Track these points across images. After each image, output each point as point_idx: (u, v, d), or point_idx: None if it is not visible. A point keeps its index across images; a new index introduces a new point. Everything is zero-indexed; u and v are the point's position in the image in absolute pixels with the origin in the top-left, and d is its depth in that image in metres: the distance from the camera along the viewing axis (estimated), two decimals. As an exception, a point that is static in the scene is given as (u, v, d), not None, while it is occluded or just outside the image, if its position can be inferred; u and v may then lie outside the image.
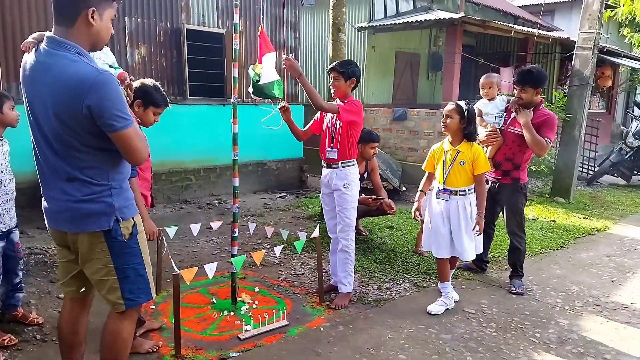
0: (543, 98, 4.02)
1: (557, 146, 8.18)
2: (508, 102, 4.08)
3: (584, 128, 7.95)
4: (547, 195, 8.09)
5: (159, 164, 6.53)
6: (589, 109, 8.32)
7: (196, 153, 7.14)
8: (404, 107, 9.49)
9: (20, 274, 3.13)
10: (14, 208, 3.02)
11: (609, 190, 9.24)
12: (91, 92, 1.68)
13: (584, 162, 10.35)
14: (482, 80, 4.19)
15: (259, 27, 3.64)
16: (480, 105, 4.10)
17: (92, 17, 1.77)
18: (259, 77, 3.44)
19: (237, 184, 3.45)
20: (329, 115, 3.65)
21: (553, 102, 8.20)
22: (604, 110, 14.10)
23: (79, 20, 1.77)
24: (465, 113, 3.38)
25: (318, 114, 3.77)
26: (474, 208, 3.50)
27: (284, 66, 3.36)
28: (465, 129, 3.41)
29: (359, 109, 3.55)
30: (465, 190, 3.49)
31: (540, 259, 4.97)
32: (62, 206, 1.87)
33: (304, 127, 3.88)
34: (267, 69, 3.44)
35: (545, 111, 3.87)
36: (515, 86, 3.92)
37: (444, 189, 3.54)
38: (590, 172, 10.31)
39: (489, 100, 4.11)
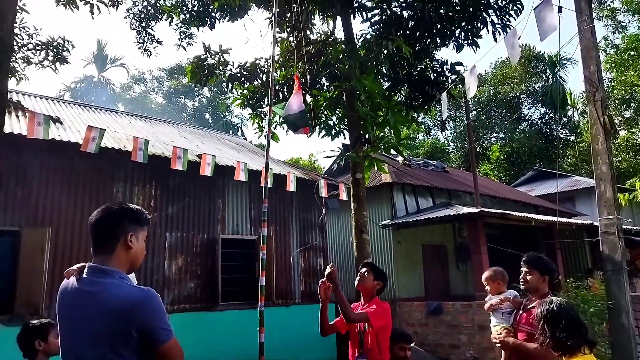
0: (582, 288, 3.73)
1: (608, 335, 7.59)
2: (516, 296, 3.58)
3: (631, 314, 7.46)
4: (612, 394, 7.17)
5: (186, 377, 6.28)
6: (634, 292, 7.96)
7: (225, 361, 6.92)
8: (437, 300, 9.28)
9: None
10: None
11: (685, 385, 8.13)
12: (141, 312, 1.81)
13: (646, 351, 9.40)
14: (483, 276, 4.02)
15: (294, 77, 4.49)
16: (488, 301, 3.84)
17: (130, 241, 1.99)
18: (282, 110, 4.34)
19: (263, 400, 3.29)
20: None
21: (590, 289, 7.92)
22: (653, 292, 13.34)
23: (119, 246, 1.97)
24: (549, 315, 2.64)
25: None
26: None
27: (324, 280, 3.43)
28: (554, 338, 2.63)
29: (388, 311, 3.53)
30: None
31: None
32: None
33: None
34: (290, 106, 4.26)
35: None
36: (522, 266, 3.54)
37: None
38: (656, 363, 9.27)
39: (495, 295, 3.74)
